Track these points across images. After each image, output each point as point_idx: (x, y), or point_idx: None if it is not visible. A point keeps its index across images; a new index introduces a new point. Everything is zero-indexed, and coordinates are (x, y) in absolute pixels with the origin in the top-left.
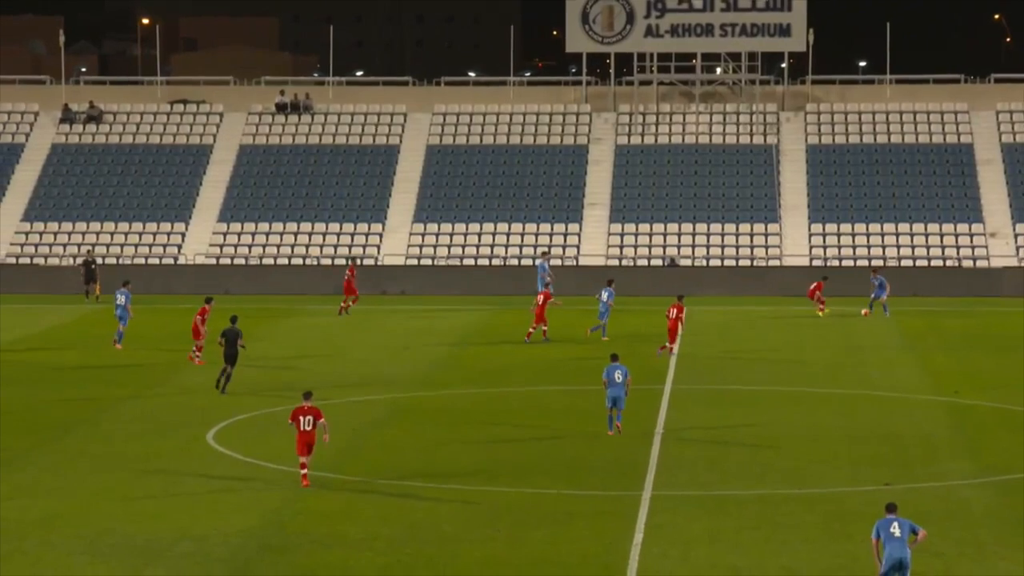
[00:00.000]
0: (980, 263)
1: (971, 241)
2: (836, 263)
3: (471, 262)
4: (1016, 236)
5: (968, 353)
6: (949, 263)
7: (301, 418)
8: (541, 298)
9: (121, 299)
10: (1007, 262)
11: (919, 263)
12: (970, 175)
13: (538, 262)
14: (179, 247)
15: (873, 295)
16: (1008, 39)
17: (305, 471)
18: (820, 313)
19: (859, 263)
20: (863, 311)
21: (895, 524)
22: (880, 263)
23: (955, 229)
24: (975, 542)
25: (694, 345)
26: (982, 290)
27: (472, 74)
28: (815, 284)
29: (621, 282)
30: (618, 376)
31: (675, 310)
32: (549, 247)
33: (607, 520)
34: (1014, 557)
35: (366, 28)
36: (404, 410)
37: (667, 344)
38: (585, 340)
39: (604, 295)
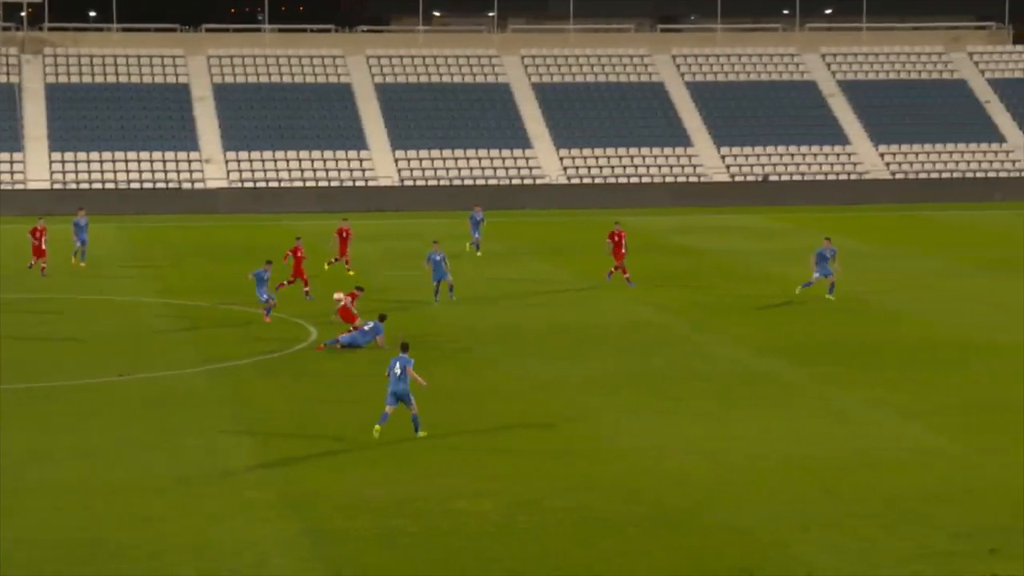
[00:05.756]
0: (198, 185)
1: (190, 167)
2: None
3: None
4: (227, 162)
5: (190, 260)
6: (171, 186)
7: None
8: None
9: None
10: (220, 184)
11: (158, 187)
12: (187, 110)
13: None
14: None
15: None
16: None
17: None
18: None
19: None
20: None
21: (397, 364)
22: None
23: (176, 156)
24: (204, 420)
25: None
26: (201, 208)
27: None
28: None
29: None
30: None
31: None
32: None
33: None
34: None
35: None
36: None
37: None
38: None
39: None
